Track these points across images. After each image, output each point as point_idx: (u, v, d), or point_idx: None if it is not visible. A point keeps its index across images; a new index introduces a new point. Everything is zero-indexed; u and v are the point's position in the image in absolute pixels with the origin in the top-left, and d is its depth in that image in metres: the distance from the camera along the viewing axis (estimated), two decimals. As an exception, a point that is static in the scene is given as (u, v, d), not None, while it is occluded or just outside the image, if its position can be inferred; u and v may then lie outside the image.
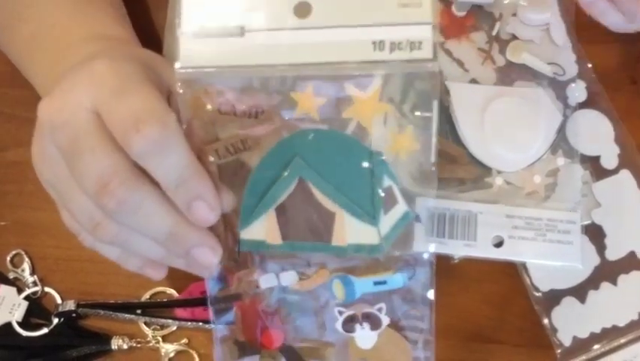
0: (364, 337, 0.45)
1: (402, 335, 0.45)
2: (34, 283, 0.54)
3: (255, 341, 0.45)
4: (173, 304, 0.52)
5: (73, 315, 0.52)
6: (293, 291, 0.45)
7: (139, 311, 0.52)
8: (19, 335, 0.51)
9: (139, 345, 0.51)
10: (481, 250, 0.52)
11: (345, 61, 0.39)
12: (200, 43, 0.39)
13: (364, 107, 0.40)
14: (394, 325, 0.45)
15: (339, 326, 0.45)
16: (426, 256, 0.44)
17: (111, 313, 0.52)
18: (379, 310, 0.44)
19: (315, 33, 0.38)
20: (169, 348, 0.51)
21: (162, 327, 0.52)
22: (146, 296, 0.53)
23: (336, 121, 0.41)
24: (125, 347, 0.51)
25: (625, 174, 0.54)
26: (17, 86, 0.54)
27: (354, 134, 0.41)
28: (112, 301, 0.52)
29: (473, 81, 0.55)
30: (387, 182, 0.41)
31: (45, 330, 0.52)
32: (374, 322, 0.44)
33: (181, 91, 0.40)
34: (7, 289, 0.53)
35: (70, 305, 0.52)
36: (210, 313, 0.45)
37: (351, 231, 0.41)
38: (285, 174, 0.41)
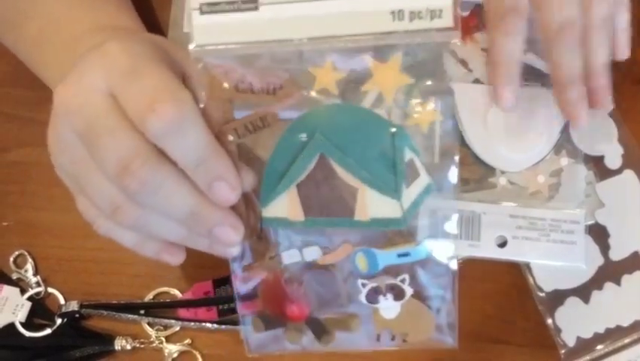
0: (388, 307, 0.44)
1: (425, 305, 0.45)
2: (38, 284, 0.53)
3: (281, 314, 0.45)
4: (176, 304, 0.52)
5: (77, 315, 0.52)
6: (317, 265, 0.44)
7: (142, 312, 0.52)
8: (22, 335, 0.51)
9: (142, 346, 0.51)
10: (485, 250, 0.52)
11: (364, 33, 0.38)
12: (213, 19, 0.38)
13: (385, 78, 0.39)
14: (417, 295, 0.44)
15: (362, 297, 0.44)
16: (448, 228, 0.43)
17: (114, 313, 0.52)
18: (402, 281, 0.44)
19: (331, 4, 0.37)
20: (172, 349, 0.51)
21: (165, 327, 0.52)
22: (149, 297, 0.53)
23: (356, 95, 0.40)
24: (129, 347, 0.51)
25: (629, 174, 0.54)
26: (19, 87, 0.54)
27: (374, 107, 0.40)
28: (115, 302, 0.52)
29: (477, 81, 0.54)
30: (408, 154, 0.41)
31: (48, 331, 0.52)
32: (397, 293, 0.44)
33: (197, 69, 0.39)
34: (10, 289, 0.53)
35: (74, 306, 0.52)
36: (234, 287, 0.45)
37: (373, 205, 0.41)
38: (306, 150, 0.40)
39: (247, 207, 0.42)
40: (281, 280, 0.45)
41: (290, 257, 0.44)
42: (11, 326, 0.52)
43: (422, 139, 0.41)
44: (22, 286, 0.54)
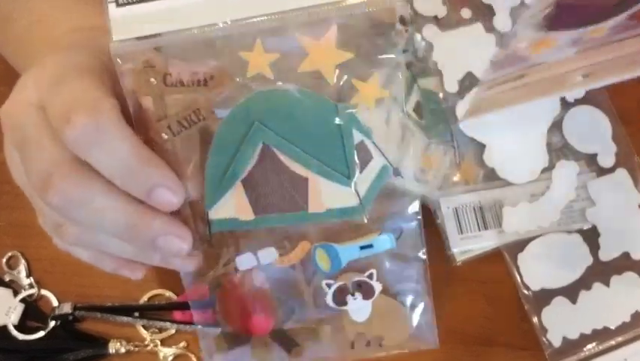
0: (358, 308, 0.43)
1: (397, 301, 0.43)
2: (31, 286, 0.53)
3: (243, 327, 0.44)
4: (171, 307, 0.52)
5: (70, 318, 0.52)
6: (275, 269, 0.42)
7: (137, 314, 0.52)
8: (15, 338, 0.51)
9: (137, 349, 0.51)
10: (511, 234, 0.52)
11: (293, 8, 0.35)
12: (131, 10, 0.36)
13: (322, 56, 0.37)
14: (387, 291, 0.43)
15: (329, 299, 0.42)
16: (411, 212, 0.42)
17: (108, 316, 0.51)
18: (370, 276, 0.42)
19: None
20: (167, 352, 0.51)
21: (160, 330, 0.52)
22: (144, 299, 0.53)
23: (293, 77, 0.38)
24: (123, 350, 0.51)
25: (621, 173, 0.54)
26: (12, 85, 0.53)
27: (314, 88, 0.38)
28: (109, 304, 0.52)
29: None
30: (358, 136, 0.39)
31: (41, 333, 0.51)
32: (366, 290, 0.42)
33: (119, 66, 0.37)
34: (2, 291, 0.53)
35: (67, 308, 0.52)
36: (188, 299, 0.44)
37: (327, 195, 0.39)
38: (246, 142, 0.38)
39: (193, 211, 0.40)
40: (239, 291, 0.43)
41: (244, 262, 0.42)
42: (4, 329, 0.51)
43: (372, 118, 0.39)
44: (14, 287, 0.53)
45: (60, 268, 0.54)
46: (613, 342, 0.51)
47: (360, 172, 0.39)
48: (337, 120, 0.38)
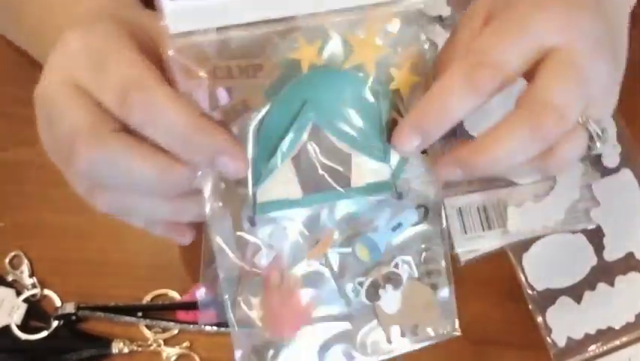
0: (389, 300, 0.43)
1: (424, 284, 0.44)
2: (34, 286, 0.53)
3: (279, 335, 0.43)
4: (174, 306, 0.52)
5: (73, 318, 0.51)
6: (306, 266, 0.42)
7: (140, 314, 0.52)
8: (18, 338, 0.51)
9: (140, 349, 0.51)
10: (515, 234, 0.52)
11: (338, 9, 0.37)
12: (185, 4, 0.37)
13: (364, 50, 0.39)
14: (414, 276, 0.44)
15: (363, 296, 0.43)
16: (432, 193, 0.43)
17: (112, 315, 0.51)
18: (396, 266, 0.43)
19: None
20: (171, 352, 0.51)
21: (164, 330, 0.52)
22: (147, 299, 0.53)
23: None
24: (126, 350, 0.51)
25: (626, 174, 0.54)
26: (17, 85, 0.53)
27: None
28: (112, 304, 0.52)
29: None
30: (393, 115, 0.41)
31: (44, 333, 0.51)
32: (395, 280, 0.43)
33: (171, 59, 0.38)
34: (6, 291, 0.53)
35: (70, 308, 0.51)
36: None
37: (364, 170, 0.40)
38: (297, 122, 0.39)
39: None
40: (295, 292, 0.42)
41: (266, 257, 0.42)
42: (7, 329, 0.51)
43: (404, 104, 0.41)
44: (17, 287, 0.53)
45: (63, 268, 0.54)
46: (617, 342, 0.51)
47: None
48: (376, 99, 0.40)
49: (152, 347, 0.51)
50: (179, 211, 0.42)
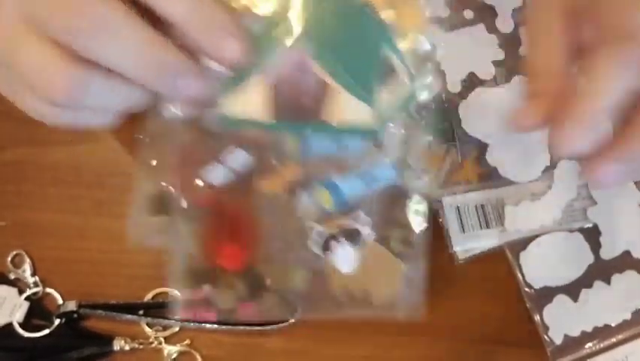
0: (344, 257, 0.38)
1: (388, 250, 0.39)
2: (35, 284, 0.53)
3: (212, 260, 0.39)
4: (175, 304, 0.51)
5: (75, 316, 0.52)
6: (258, 196, 0.38)
7: (141, 312, 0.52)
8: (20, 336, 0.51)
9: (141, 346, 0.51)
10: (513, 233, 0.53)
11: None
12: None
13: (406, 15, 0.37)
14: (379, 238, 0.39)
15: (314, 246, 0.38)
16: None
17: (113, 314, 0.51)
18: (356, 218, 0.38)
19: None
20: (172, 349, 0.51)
21: (165, 328, 0.52)
22: (148, 297, 0.53)
23: None
24: (127, 348, 0.51)
25: (623, 172, 0.54)
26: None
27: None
28: (114, 302, 0.52)
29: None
30: (391, 56, 0.37)
31: (46, 331, 0.51)
32: (355, 237, 0.38)
33: None
34: (7, 289, 0.53)
35: (72, 306, 0.52)
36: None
37: (348, 110, 0.36)
38: (288, 44, 0.36)
39: None
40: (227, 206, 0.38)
41: (214, 174, 0.38)
42: (9, 327, 0.51)
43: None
44: (19, 286, 0.53)
45: (64, 266, 0.54)
46: (614, 340, 0.51)
47: (385, 93, 0.37)
48: (376, 40, 0.37)
49: (153, 345, 0.51)
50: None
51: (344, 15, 0.37)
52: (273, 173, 0.38)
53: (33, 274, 0.54)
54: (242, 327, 0.51)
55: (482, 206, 0.53)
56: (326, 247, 0.38)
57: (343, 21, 0.37)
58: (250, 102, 0.36)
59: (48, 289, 0.53)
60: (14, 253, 0.54)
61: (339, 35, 0.36)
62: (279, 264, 0.39)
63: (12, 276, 0.54)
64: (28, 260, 0.54)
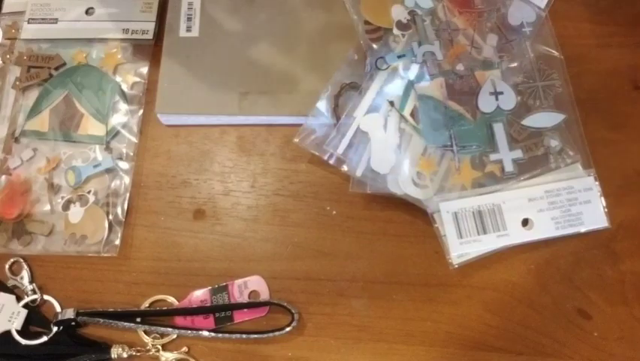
0: (75, 213, 0.56)
1: (102, 210, 0.56)
2: (34, 291, 0.53)
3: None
4: (173, 312, 0.52)
5: (73, 323, 0.52)
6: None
7: (139, 320, 0.52)
8: (18, 343, 0.51)
9: (138, 354, 0.51)
10: (514, 236, 0.53)
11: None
12: None
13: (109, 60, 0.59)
14: (98, 202, 0.56)
15: (59, 206, 0.56)
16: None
17: (110, 321, 0.52)
18: (89, 192, 0.57)
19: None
20: (169, 357, 0.51)
21: (162, 335, 0.52)
22: (145, 305, 0.53)
23: None
24: (125, 355, 0.51)
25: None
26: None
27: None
28: (111, 310, 0.52)
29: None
30: (116, 98, 0.61)
31: (44, 338, 0.51)
32: (83, 200, 0.56)
33: None
34: (6, 297, 0.53)
35: (70, 313, 0.52)
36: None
37: (90, 126, 0.59)
38: (59, 88, 0.60)
39: None
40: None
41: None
42: (7, 334, 0.52)
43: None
44: (18, 293, 0.53)
45: (63, 274, 0.54)
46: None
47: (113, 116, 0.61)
48: (106, 87, 0.61)
49: (150, 352, 0.51)
50: None
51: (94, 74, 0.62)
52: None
53: (31, 282, 0.54)
54: (239, 335, 0.51)
55: (479, 212, 0.53)
56: (66, 208, 0.57)
57: (93, 77, 0.62)
58: (39, 121, 0.61)
59: (46, 297, 0.53)
60: (12, 260, 0.55)
61: (90, 84, 0.62)
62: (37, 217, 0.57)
63: (10, 283, 0.54)
64: (26, 267, 0.54)
